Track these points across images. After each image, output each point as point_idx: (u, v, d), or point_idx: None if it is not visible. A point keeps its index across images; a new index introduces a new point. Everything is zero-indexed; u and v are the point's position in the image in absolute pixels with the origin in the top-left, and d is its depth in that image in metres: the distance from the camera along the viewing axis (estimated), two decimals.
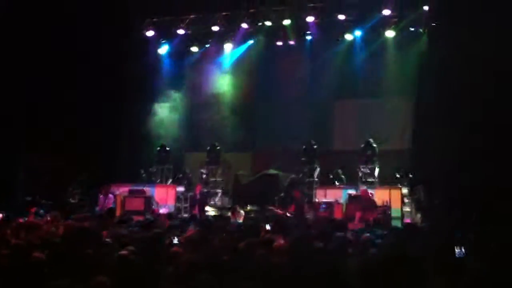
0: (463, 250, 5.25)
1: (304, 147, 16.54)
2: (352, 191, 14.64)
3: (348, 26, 16.93)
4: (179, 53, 18.87)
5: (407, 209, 14.47)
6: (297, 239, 6.02)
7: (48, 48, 14.36)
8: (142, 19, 17.80)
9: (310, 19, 16.73)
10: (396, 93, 16.15)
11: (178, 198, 16.08)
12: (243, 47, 18.51)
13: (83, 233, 6.36)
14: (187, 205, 15.99)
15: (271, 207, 14.49)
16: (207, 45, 18.71)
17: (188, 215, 14.50)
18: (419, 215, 13.75)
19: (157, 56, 18.66)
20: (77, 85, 15.07)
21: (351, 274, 3.86)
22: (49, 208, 11.20)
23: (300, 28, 17.54)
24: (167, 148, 17.40)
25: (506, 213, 10.23)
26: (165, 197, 15.70)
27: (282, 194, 15.60)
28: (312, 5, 16.67)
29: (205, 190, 16.24)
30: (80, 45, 14.77)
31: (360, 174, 15.75)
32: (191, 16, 17.63)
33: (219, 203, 16.68)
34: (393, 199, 14.19)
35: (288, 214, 13.55)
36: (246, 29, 17.63)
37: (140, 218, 10.25)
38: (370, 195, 13.86)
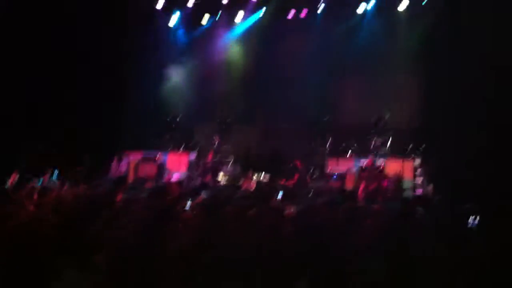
0: (476, 219, 5.25)
1: (315, 120, 16.50)
2: (365, 163, 14.64)
3: None
4: (189, 24, 18.77)
5: (419, 180, 14.46)
6: (306, 207, 6.05)
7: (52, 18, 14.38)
8: None
9: None
10: (406, 68, 15.93)
11: (190, 166, 16.18)
12: (253, 18, 18.34)
13: (97, 198, 6.45)
14: (199, 173, 16.09)
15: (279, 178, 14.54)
16: (218, 16, 18.56)
17: (200, 183, 14.60)
18: (430, 187, 13.73)
19: (168, 27, 18.57)
20: (88, 56, 15.08)
21: (359, 242, 3.88)
22: (61, 173, 11.29)
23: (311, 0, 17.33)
24: (179, 117, 17.43)
25: None
26: (177, 165, 15.81)
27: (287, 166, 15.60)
28: None
29: (217, 158, 16.29)
30: (89, 16, 14.78)
31: (372, 146, 15.68)
32: None
33: (230, 171, 16.75)
34: (405, 171, 14.19)
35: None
36: None
37: (152, 184, 10.30)
38: (376, 165, 13.80)
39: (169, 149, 17.06)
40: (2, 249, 3.61)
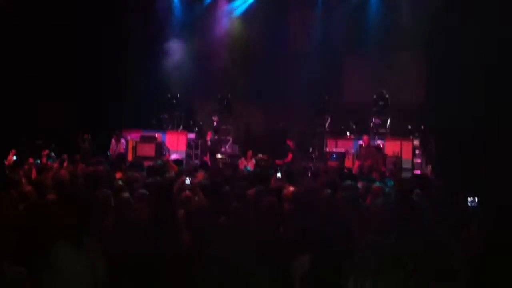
0: (476, 200, 5.25)
1: (314, 98, 16.44)
2: (362, 142, 14.62)
3: None
4: (190, 1, 18.61)
5: (418, 161, 14.49)
6: (306, 187, 6.05)
7: None
8: None
9: None
10: (409, 47, 15.78)
11: (189, 145, 16.18)
12: None
13: (96, 176, 6.44)
14: (198, 152, 16.09)
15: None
16: None
17: (199, 161, 14.61)
18: (429, 167, 13.75)
19: (169, 3, 18.39)
20: (87, 35, 14.95)
21: (360, 221, 3.88)
22: (60, 151, 11.28)
23: None
24: (178, 95, 17.34)
25: None
26: (176, 144, 15.80)
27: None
28: None
29: (216, 137, 16.28)
30: None
31: (372, 125, 15.66)
32: None
33: (229, 151, 16.76)
34: (404, 151, 14.21)
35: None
36: None
37: (151, 163, 10.30)
38: (371, 144, 13.77)
39: (168, 128, 17.04)
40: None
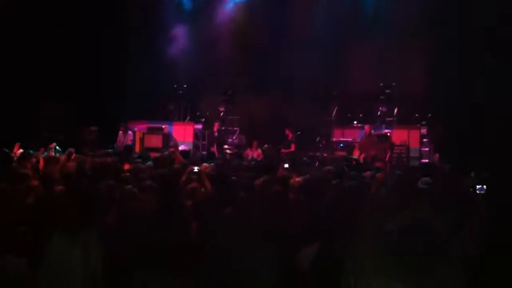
0: (484, 187, 5.22)
1: (321, 87, 16.36)
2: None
3: None
4: None
5: (425, 149, 14.44)
6: (313, 176, 6.04)
7: None
8: None
9: None
10: (415, 33, 15.62)
11: (196, 136, 16.19)
12: None
13: (104, 168, 6.46)
14: (205, 142, 16.11)
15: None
16: None
17: (206, 152, 14.63)
18: (437, 155, 13.70)
19: None
20: (90, 26, 14.95)
21: (365, 210, 3.86)
22: (66, 144, 11.32)
23: None
24: (185, 86, 17.33)
25: None
26: (183, 135, 15.82)
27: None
28: None
29: (223, 128, 16.28)
30: None
31: (379, 114, 15.58)
32: None
33: (236, 141, 16.74)
34: (412, 140, 14.15)
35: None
36: None
37: (158, 154, 10.31)
38: (372, 133, 13.74)
39: (174, 119, 17.04)
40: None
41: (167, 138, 14.82)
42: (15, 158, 8.35)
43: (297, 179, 6.34)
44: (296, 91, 16.58)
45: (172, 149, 10.47)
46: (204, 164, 7.92)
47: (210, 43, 17.65)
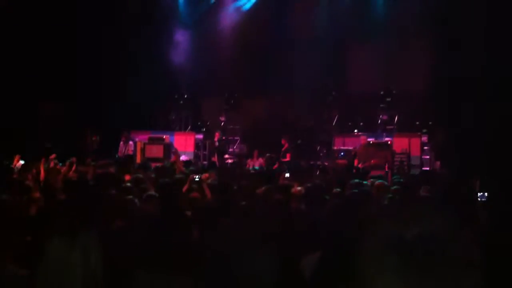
0: (485, 194, 5.22)
1: (321, 92, 16.39)
2: (370, 139, 14.59)
3: None
4: None
5: (426, 156, 14.43)
6: (314, 185, 6.04)
7: None
8: None
9: None
10: (416, 35, 15.61)
11: (197, 146, 16.20)
12: None
13: (106, 178, 6.48)
14: (206, 152, 16.12)
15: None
16: None
17: (207, 162, 14.64)
18: (438, 163, 13.69)
19: (173, 1, 18.46)
20: (92, 33, 15.01)
21: (367, 218, 3.87)
22: (68, 154, 11.34)
23: None
24: (185, 96, 17.35)
25: None
26: (184, 145, 15.83)
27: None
28: None
29: (224, 138, 16.29)
30: None
31: (379, 122, 15.59)
32: None
33: (237, 150, 16.76)
34: (413, 148, 14.13)
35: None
36: None
37: (159, 164, 10.32)
38: (368, 143, 13.75)
39: (176, 129, 17.06)
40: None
41: (168, 148, 14.83)
42: (16, 170, 8.37)
43: (298, 188, 6.34)
44: (297, 97, 16.63)
45: (173, 159, 10.49)
46: (205, 173, 7.93)
47: (211, 51, 17.72)
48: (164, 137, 15.41)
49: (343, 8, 16.97)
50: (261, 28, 17.48)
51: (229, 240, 1.93)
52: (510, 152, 11.26)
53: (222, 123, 17.09)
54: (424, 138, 14.64)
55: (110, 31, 15.47)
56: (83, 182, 6.58)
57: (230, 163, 14.81)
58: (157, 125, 16.90)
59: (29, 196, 5.54)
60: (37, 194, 5.70)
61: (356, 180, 6.80)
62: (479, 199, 5.66)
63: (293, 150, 14.74)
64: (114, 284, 3.57)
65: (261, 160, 14.15)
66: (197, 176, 6.49)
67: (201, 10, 18.61)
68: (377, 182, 6.91)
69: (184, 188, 6.22)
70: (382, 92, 15.46)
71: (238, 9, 18.37)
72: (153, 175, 7.79)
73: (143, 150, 14.87)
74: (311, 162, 14.09)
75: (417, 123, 15.09)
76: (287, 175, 8.65)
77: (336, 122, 16.21)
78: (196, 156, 15.82)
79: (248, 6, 18.38)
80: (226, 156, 15.58)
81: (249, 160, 14.57)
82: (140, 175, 7.29)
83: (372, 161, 12.12)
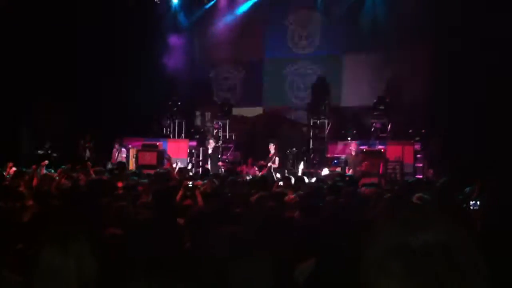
0: (478, 202, 5.24)
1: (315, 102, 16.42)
2: (363, 147, 14.62)
3: None
4: (190, 5, 18.68)
5: (419, 164, 14.48)
6: (308, 192, 6.05)
7: None
8: None
9: None
10: (410, 45, 15.64)
11: (190, 153, 16.17)
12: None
13: (99, 184, 6.45)
14: (200, 159, 16.10)
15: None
16: None
17: (201, 169, 14.61)
18: (431, 171, 13.74)
19: (168, 8, 18.48)
20: (87, 38, 15.02)
21: (362, 226, 3.87)
22: (60, 161, 11.30)
23: None
24: (179, 103, 17.35)
25: None
26: (177, 152, 15.81)
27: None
28: None
29: (217, 145, 16.28)
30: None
31: (373, 130, 15.63)
32: None
33: (231, 158, 16.75)
34: (406, 155, 14.17)
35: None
36: None
37: (152, 172, 10.30)
38: (359, 150, 13.78)
39: (169, 136, 17.05)
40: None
41: (162, 155, 14.80)
42: (8, 177, 8.32)
43: (292, 196, 6.34)
44: (290, 105, 16.69)
45: (167, 166, 10.47)
46: (198, 180, 7.93)
47: (205, 58, 17.76)
48: (157, 144, 15.39)
49: (337, 19, 17.05)
50: (254, 38, 17.57)
51: (222, 248, 1.92)
52: (509, 155, 11.30)
53: (216, 131, 17.09)
54: (417, 146, 14.69)
55: (109, 39, 15.48)
56: (76, 189, 6.55)
57: (224, 170, 14.79)
58: (150, 132, 16.88)
59: (22, 203, 5.52)
60: (30, 201, 5.68)
61: (350, 187, 6.82)
62: (471, 207, 5.68)
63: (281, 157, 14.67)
64: None
65: (255, 167, 14.13)
66: (190, 183, 6.49)
67: (196, 17, 18.67)
68: (370, 189, 6.92)
69: (178, 196, 6.21)
70: (375, 100, 15.49)
71: (233, 15, 18.41)
72: (147, 182, 7.77)
73: (136, 157, 14.85)
74: (305, 170, 14.11)
75: (410, 131, 15.13)
76: (281, 183, 8.64)
77: (329, 130, 16.24)
78: (189, 163, 15.82)
79: (241, 11, 18.41)
80: (220, 163, 15.56)
81: (243, 167, 14.54)
82: (132, 182, 7.28)
83: (363, 165, 12.15)
